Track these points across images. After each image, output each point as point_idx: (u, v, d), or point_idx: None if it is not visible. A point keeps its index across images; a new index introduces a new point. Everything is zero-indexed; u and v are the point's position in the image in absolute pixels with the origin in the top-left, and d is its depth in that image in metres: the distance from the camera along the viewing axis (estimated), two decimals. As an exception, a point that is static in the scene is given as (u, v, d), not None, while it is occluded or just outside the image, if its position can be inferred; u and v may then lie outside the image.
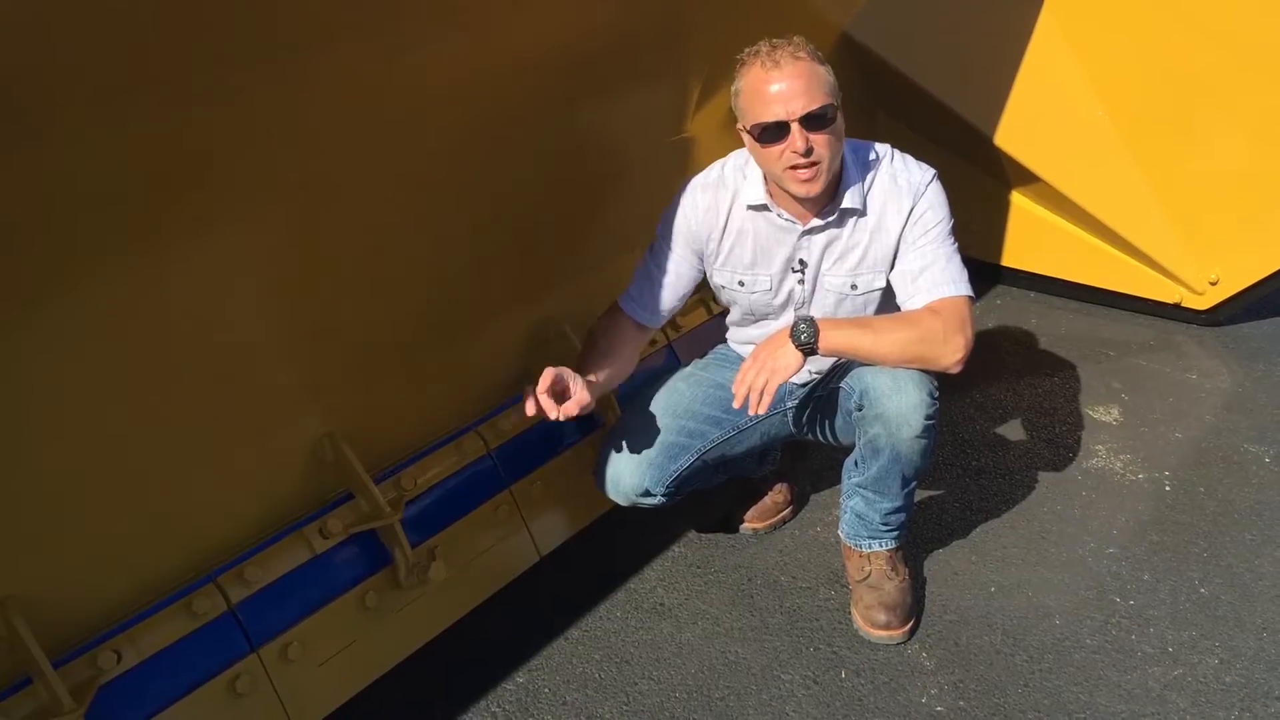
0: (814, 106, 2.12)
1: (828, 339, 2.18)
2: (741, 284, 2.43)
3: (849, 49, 3.66)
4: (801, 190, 2.20)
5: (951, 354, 2.19)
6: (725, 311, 2.62)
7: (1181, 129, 3.49)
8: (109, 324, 1.80)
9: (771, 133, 2.15)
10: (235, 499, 2.14)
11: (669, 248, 2.44)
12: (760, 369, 2.20)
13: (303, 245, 2.07)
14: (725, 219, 2.37)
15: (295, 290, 2.10)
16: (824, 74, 2.16)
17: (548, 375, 2.19)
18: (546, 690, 2.41)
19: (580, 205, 2.74)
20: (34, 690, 1.79)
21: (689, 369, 2.62)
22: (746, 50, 2.20)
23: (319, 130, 1.96)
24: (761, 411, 2.22)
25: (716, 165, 2.42)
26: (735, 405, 2.24)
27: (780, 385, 2.51)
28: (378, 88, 2.01)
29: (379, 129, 2.09)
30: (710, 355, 2.69)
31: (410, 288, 2.34)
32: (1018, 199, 4.03)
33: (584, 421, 2.75)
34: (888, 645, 2.47)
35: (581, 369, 2.34)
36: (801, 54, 2.14)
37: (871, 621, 2.48)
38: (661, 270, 2.45)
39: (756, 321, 2.53)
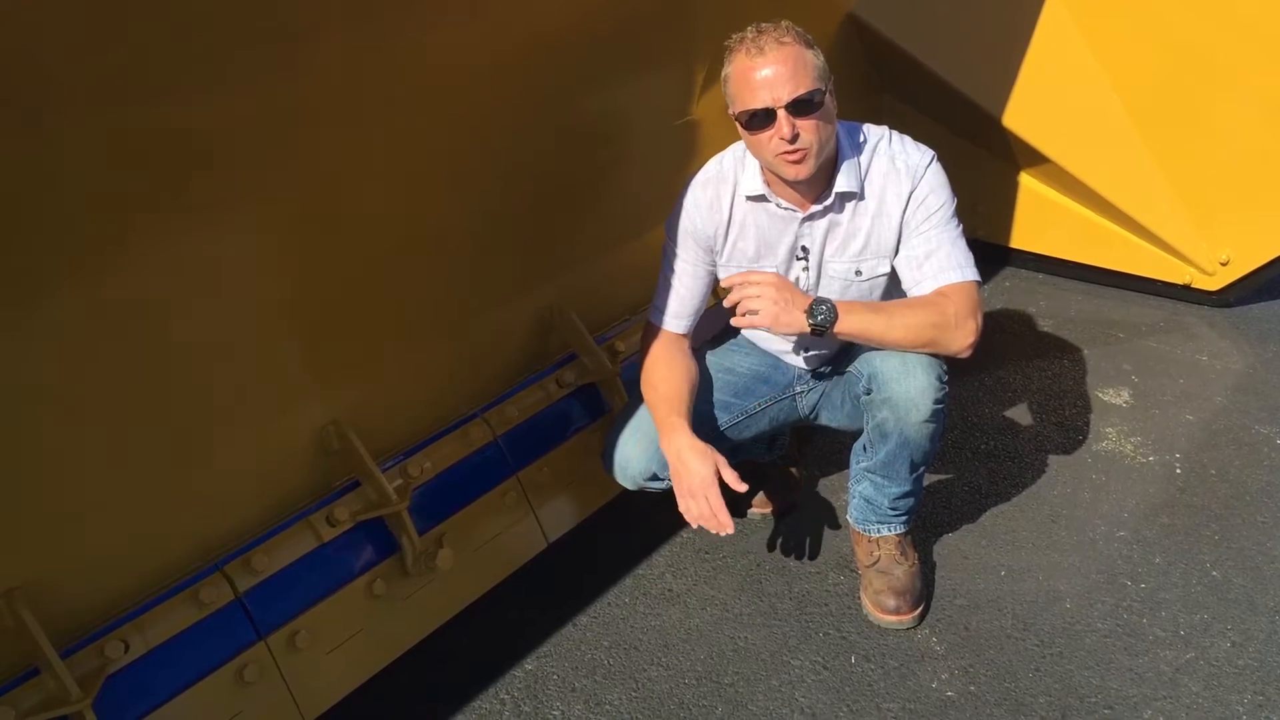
0: (800, 92, 2.09)
1: (843, 323, 2.17)
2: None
3: (856, 30, 3.64)
4: (791, 173, 2.18)
5: (962, 339, 2.18)
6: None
7: (1191, 108, 3.46)
8: (113, 313, 1.80)
9: (759, 120, 2.13)
10: (242, 487, 2.13)
11: (681, 252, 2.40)
12: (765, 304, 2.18)
13: (308, 233, 2.06)
14: (729, 213, 2.34)
15: (299, 278, 2.09)
16: (811, 58, 2.13)
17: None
18: (555, 677, 2.40)
19: (585, 189, 2.73)
20: (42, 680, 1.79)
21: (699, 355, 2.60)
22: (734, 36, 2.18)
23: (321, 118, 1.95)
24: (733, 323, 2.24)
25: (715, 159, 2.39)
26: (724, 296, 2.25)
27: (786, 372, 2.51)
28: (380, 75, 2.00)
29: (382, 116, 2.08)
30: (721, 343, 2.66)
31: (415, 274, 2.33)
32: (1026, 180, 4.00)
33: (592, 407, 2.75)
34: (897, 630, 2.46)
35: (666, 398, 2.32)
36: (787, 38, 2.11)
37: (881, 606, 2.47)
38: (680, 276, 2.41)
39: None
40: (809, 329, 2.17)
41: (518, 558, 2.56)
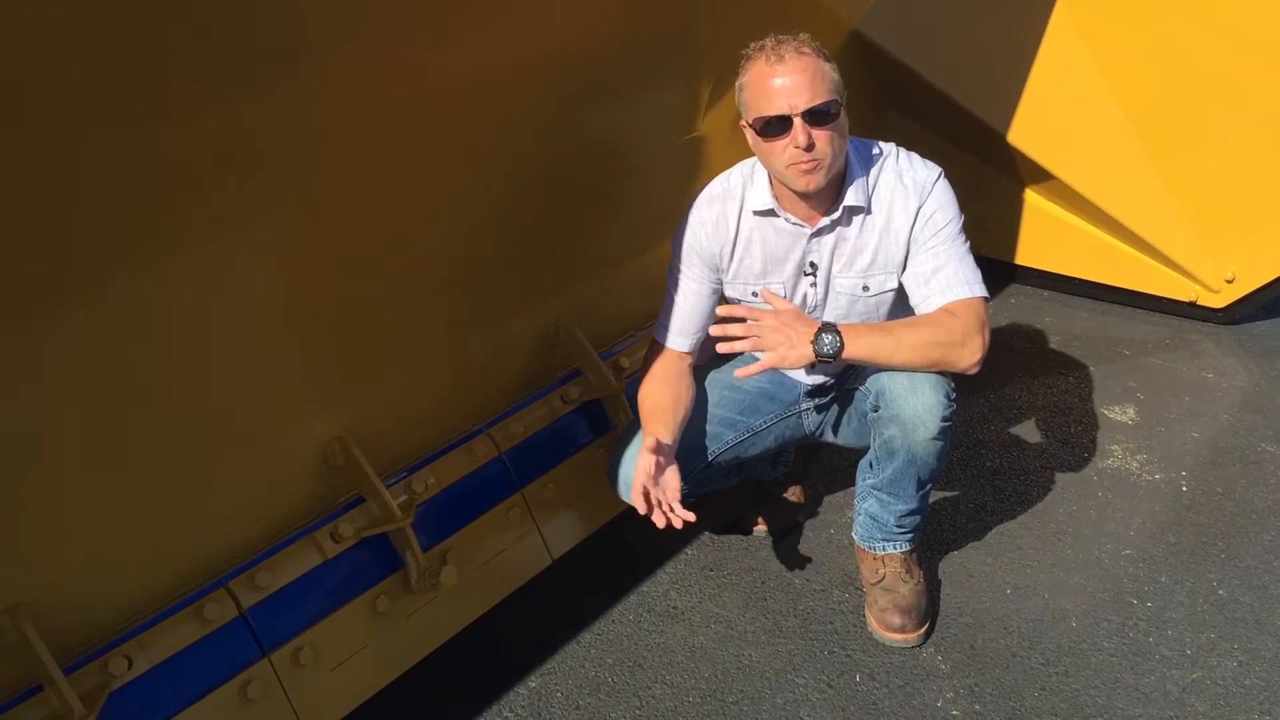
0: (817, 101, 2.10)
1: (850, 349, 2.17)
2: (755, 295, 2.41)
3: (860, 46, 3.65)
4: (802, 184, 2.18)
5: (970, 356, 2.18)
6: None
7: (1197, 126, 3.46)
8: (118, 328, 1.80)
9: (774, 127, 2.13)
10: (246, 503, 2.13)
11: (686, 269, 2.40)
12: (770, 344, 2.18)
13: (313, 248, 2.07)
14: (735, 229, 2.35)
15: (305, 293, 2.09)
16: (828, 70, 2.14)
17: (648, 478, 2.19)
18: (559, 695, 2.39)
19: (591, 206, 2.73)
20: (45, 697, 1.78)
21: (705, 371, 2.59)
22: (752, 45, 2.19)
23: (326, 133, 1.95)
24: (738, 375, 2.23)
25: (721, 177, 2.40)
26: (712, 332, 2.24)
27: (792, 389, 2.51)
28: (386, 90, 2.00)
29: (387, 131, 2.08)
30: (728, 359, 2.65)
31: (420, 290, 2.34)
32: (1031, 197, 4.00)
33: (596, 423, 2.74)
34: (903, 648, 2.45)
35: (653, 415, 2.33)
36: (806, 49, 2.13)
37: (886, 624, 2.46)
38: (684, 294, 2.41)
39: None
40: (816, 359, 2.17)
41: (522, 574, 2.55)
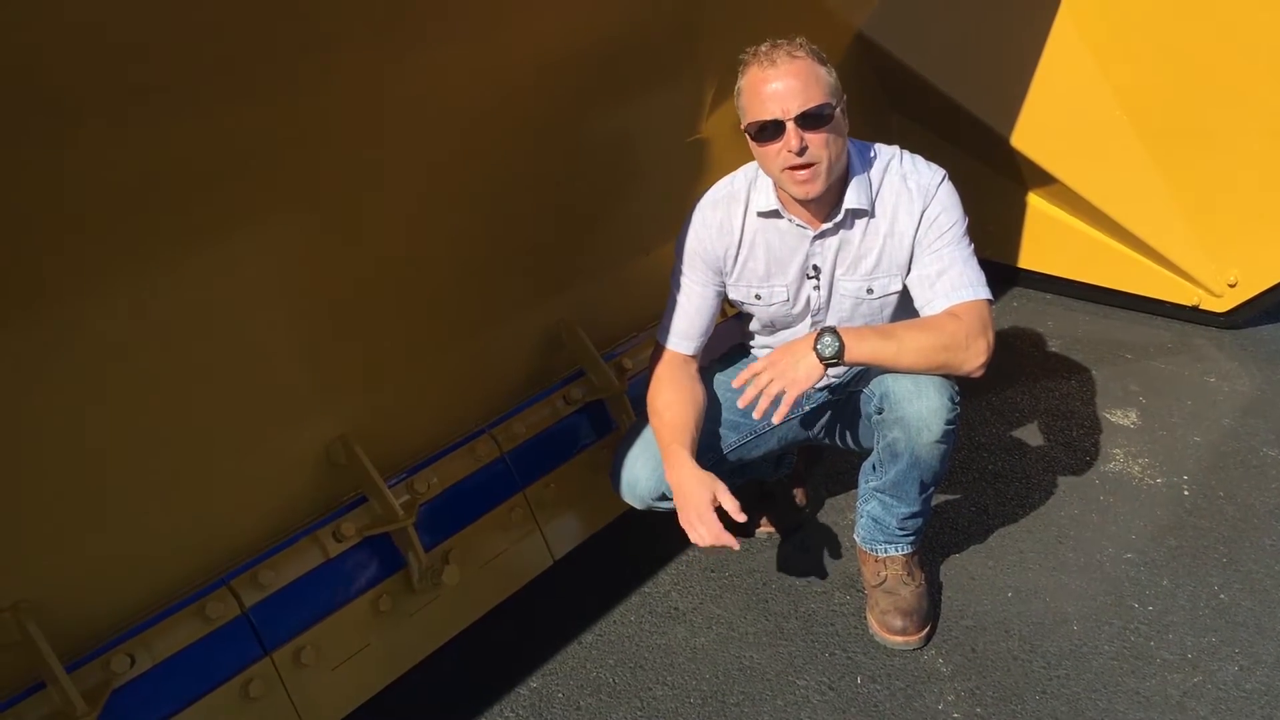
0: (810, 105, 2.10)
1: (853, 352, 2.17)
2: (758, 297, 2.41)
3: (864, 49, 3.65)
4: (799, 191, 2.18)
5: (974, 359, 2.18)
6: (741, 314, 2.59)
7: (1199, 130, 3.46)
8: (121, 328, 1.80)
9: (768, 131, 2.13)
10: (248, 502, 2.14)
11: (690, 272, 2.40)
12: (778, 376, 2.18)
13: (317, 248, 2.07)
14: (739, 233, 2.35)
15: (309, 293, 2.10)
16: (823, 73, 2.14)
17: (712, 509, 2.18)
18: (560, 695, 2.40)
19: (595, 206, 2.73)
20: (47, 694, 1.79)
21: (709, 373, 2.60)
22: (748, 50, 2.19)
23: (331, 134, 1.96)
24: (776, 421, 2.20)
25: (725, 180, 2.40)
26: (739, 403, 2.23)
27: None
28: (391, 90, 2.00)
29: (392, 132, 2.08)
30: (731, 361, 2.66)
31: (424, 290, 2.34)
32: (1034, 201, 4.00)
33: (599, 424, 2.75)
34: (904, 651, 2.45)
35: (670, 425, 2.32)
36: (800, 53, 2.13)
37: (887, 627, 2.46)
38: (688, 297, 2.41)
39: (776, 331, 2.51)
40: (824, 366, 2.17)
41: (523, 574, 2.56)
